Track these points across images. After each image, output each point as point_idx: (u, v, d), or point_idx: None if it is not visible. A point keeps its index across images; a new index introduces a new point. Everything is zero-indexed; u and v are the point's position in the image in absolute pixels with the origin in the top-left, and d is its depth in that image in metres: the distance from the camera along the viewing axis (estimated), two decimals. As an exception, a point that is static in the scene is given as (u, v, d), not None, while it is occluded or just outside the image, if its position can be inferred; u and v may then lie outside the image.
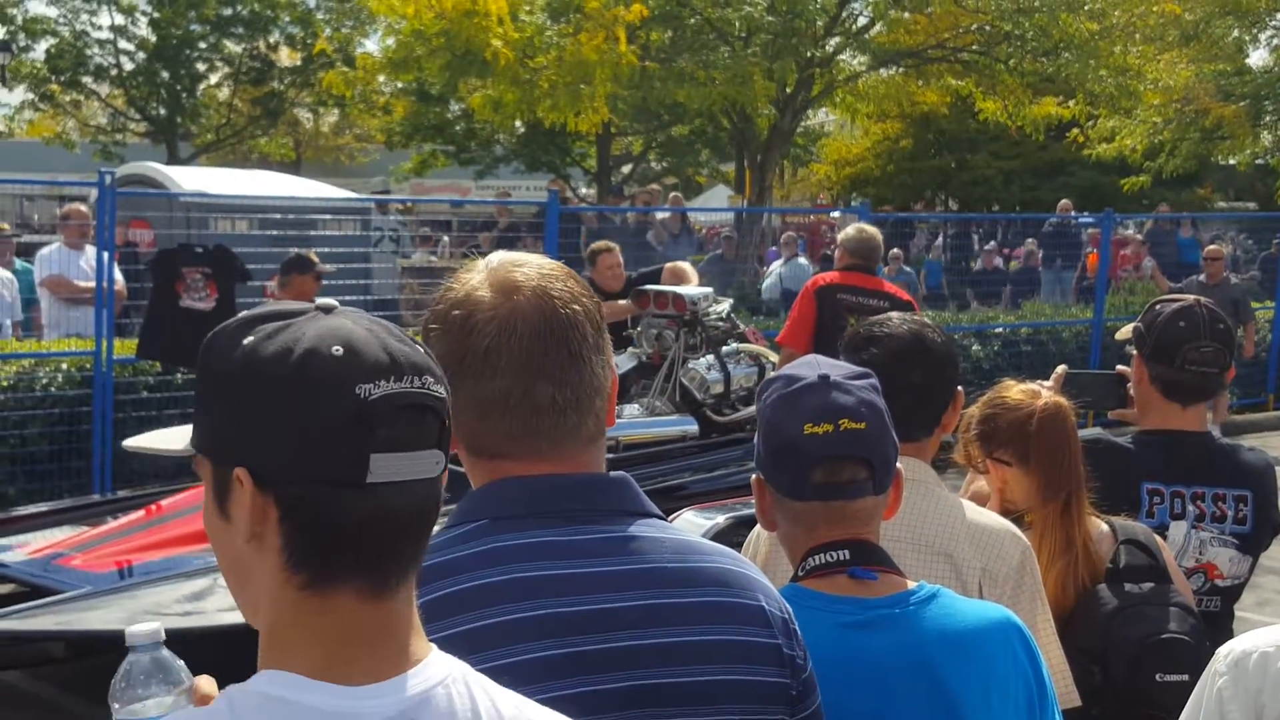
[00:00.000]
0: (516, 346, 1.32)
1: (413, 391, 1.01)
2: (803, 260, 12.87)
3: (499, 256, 1.40)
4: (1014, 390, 2.43)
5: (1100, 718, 2.19)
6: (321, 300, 1.08)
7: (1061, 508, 2.32)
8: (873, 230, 6.34)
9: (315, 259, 6.85)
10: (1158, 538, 2.41)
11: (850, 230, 6.36)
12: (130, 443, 1.26)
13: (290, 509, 1.01)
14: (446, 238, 14.47)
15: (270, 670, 1.02)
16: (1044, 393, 2.43)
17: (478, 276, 1.37)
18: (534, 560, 1.29)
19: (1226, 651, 1.67)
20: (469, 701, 1.05)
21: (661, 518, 1.39)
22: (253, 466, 1.01)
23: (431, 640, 1.10)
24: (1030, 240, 15.81)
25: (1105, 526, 2.38)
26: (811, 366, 1.67)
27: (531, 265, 1.38)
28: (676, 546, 1.35)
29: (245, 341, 1.03)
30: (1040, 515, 2.33)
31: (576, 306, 1.35)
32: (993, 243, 15.94)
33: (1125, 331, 2.75)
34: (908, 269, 14.06)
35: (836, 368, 1.68)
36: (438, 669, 1.05)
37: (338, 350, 1.01)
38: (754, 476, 1.72)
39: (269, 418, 1.00)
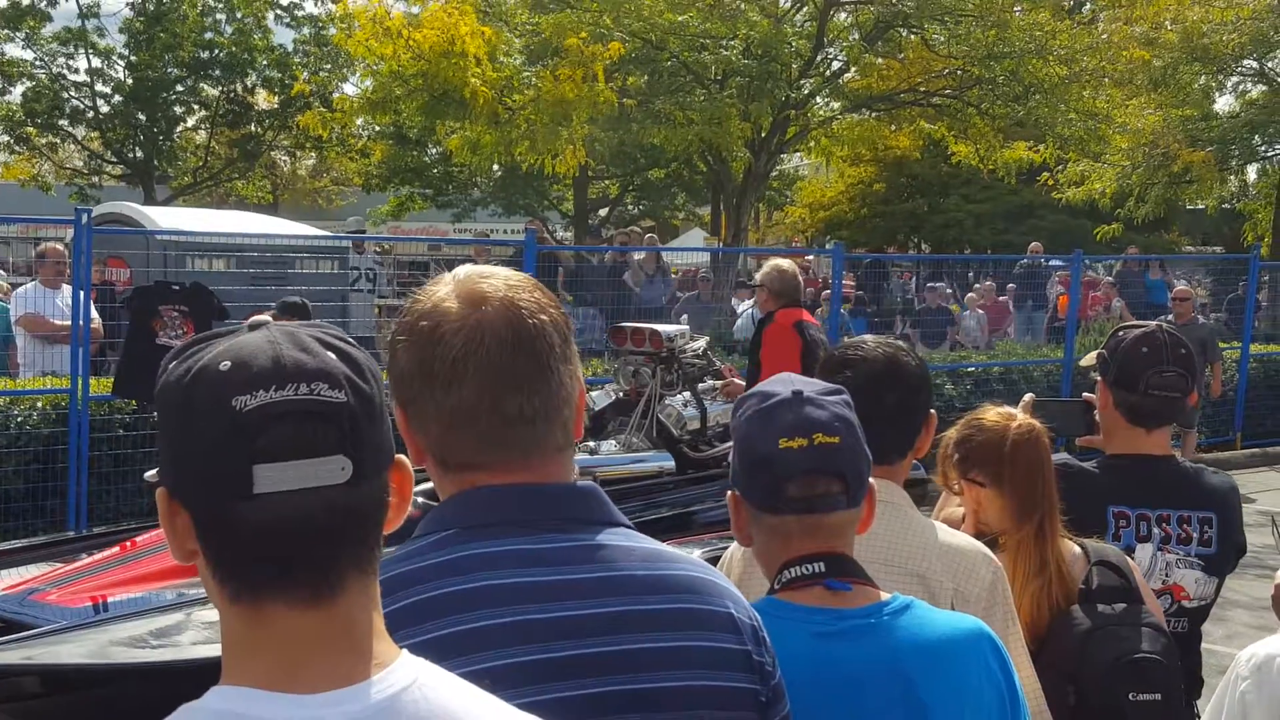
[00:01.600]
0: (484, 357, 1.32)
1: (294, 399, 0.99)
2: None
3: (466, 269, 1.41)
4: (990, 413, 2.47)
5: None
6: (255, 318, 1.10)
7: (1035, 529, 2.35)
8: (790, 265, 6.41)
9: (307, 305, 6.84)
10: (1129, 559, 2.45)
11: (771, 272, 6.24)
12: (151, 475, 1.29)
13: (199, 525, 1.02)
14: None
15: (222, 686, 1.01)
16: (1019, 416, 2.47)
17: (445, 288, 1.37)
18: (504, 568, 1.30)
19: (1249, 656, 1.67)
20: (441, 706, 1.03)
21: (630, 527, 1.40)
22: (169, 486, 1.04)
23: (401, 647, 1.09)
24: (1002, 284, 15.91)
25: (1078, 548, 2.41)
26: (785, 383, 1.70)
27: (498, 277, 1.38)
28: (645, 554, 1.37)
29: (169, 368, 1.06)
30: (1014, 537, 2.37)
31: (544, 317, 1.36)
32: (940, 284, 15.99)
33: (1090, 358, 2.80)
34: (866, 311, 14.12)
35: (810, 384, 1.71)
36: (405, 673, 1.03)
37: (225, 366, 1.01)
38: (730, 492, 1.74)
39: (170, 438, 1.03)
